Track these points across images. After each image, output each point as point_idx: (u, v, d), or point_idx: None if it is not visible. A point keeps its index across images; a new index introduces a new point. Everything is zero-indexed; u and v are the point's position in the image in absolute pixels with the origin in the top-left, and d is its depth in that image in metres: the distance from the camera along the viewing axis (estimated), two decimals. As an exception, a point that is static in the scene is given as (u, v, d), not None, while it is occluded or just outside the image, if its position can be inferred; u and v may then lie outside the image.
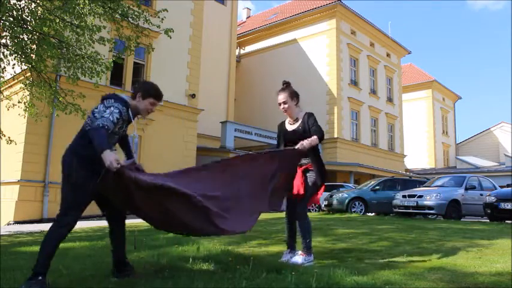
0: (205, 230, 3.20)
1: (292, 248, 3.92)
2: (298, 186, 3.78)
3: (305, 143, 3.61)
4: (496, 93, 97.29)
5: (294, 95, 3.94)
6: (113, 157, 2.62)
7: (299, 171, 3.86)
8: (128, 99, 3.09)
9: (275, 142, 18.89)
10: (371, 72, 28.07)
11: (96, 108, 2.99)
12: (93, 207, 3.32)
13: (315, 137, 3.71)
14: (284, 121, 4.11)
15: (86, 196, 2.96)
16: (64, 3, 7.92)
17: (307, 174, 3.84)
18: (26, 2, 8.09)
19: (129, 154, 3.41)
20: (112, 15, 8.48)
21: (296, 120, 3.95)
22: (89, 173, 2.89)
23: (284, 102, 3.90)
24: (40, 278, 2.80)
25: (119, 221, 3.22)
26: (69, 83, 8.91)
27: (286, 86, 3.98)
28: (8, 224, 12.20)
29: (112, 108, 2.93)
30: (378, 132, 27.86)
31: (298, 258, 3.67)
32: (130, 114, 3.07)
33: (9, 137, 10.34)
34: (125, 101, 3.05)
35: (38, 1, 8.19)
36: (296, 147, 3.65)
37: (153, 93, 3.14)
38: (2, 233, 8.54)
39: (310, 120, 3.88)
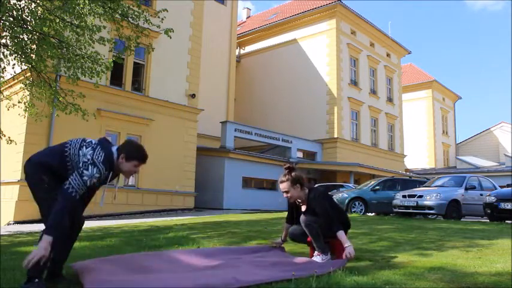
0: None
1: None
2: None
3: (352, 254, 3.60)
4: (496, 93, 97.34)
5: (296, 182, 3.87)
6: (46, 245, 2.58)
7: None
8: (115, 156, 3.02)
9: (275, 142, 18.90)
10: (371, 72, 28.07)
11: (87, 147, 2.96)
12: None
13: (344, 237, 3.72)
14: None
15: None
16: (64, 3, 7.93)
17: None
18: (26, 2, 8.09)
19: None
20: (112, 15, 8.48)
21: (303, 202, 3.97)
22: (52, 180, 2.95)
23: (286, 192, 3.88)
24: (36, 280, 2.75)
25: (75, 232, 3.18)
26: (69, 83, 8.91)
27: (288, 172, 3.91)
28: (8, 224, 12.20)
29: (95, 170, 2.88)
30: (378, 132, 27.85)
31: (317, 258, 3.77)
32: (110, 176, 3.04)
33: (9, 137, 10.34)
34: (112, 163, 2.99)
35: (38, 1, 8.20)
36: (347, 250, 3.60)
37: (138, 156, 3.08)
38: (2, 233, 8.54)
39: (317, 206, 3.81)
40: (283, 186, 3.88)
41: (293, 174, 3.88)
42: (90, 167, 2.87)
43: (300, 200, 3.98)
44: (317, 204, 3.81)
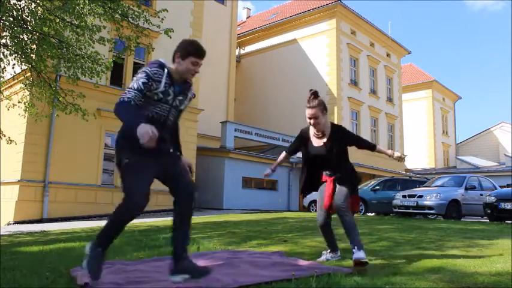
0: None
1: (334, 249, 3.89)
2: (328, 197, 3.72)
3: (396, 154, 3.71)
4: (496, 93, 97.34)
5: (324, 108, 3.66)
6: (147, 128, 2.33)
7: (329, 181, 3.75)
8: (165, 62, 2.77)
9: (275, 142, 18.91)
10: (371, 72, 28.06)
11: None
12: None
13: (384, 148, 3.86)
14: (308, 129, 3.83)
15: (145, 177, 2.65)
16: (64, 3, 7.93)
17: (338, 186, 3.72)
18: (26, 2, 8.10)
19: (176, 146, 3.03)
20: (112, 15, 8.48)
21: (323, 134, 3.71)
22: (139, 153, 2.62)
23: (315, 117, 3.59)
24: (100, 249, 2.70)
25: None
26: (69, 83, 8.91)
27: (314, 96, 3.64)
28: (8, 224, 12.19)
29: (140, 74, 2.65)
30: (378, 132, 27.85)
31: (361, 253, 3.44)
32: (165, 74, 2.70)
33: (9, 137, 10.34)
34: (159, 63, 2.74)
35: (38, 1, 8.20)
36: (395, 154, 3.69)
37: (192, 50, 2.72)
38: (2, 233, 8.53)
39: (344, 134, 3.73)
40: (313, 112, 3.57)
41: (320, 99, 3.65)
42: (137, 74, 2.68)
43: (320, 132, 3.69)
44: (344, 131, 3.74)
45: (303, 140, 3.82)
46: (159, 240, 5.57)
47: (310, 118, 3.62)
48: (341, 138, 3.69)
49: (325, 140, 3.69)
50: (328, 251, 3.89)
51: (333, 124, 3.76)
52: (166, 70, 2.71)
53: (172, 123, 2.92)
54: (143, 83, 2.63)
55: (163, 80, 2.68)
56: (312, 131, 3.76)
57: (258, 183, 20.27)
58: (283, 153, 4.00)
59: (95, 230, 8.19)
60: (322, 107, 3.63)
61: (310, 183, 3.87)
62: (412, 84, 36.66)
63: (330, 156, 3.66)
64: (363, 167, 21.86)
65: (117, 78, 15.28)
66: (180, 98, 2.83)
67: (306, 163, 3.84)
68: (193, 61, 2.73)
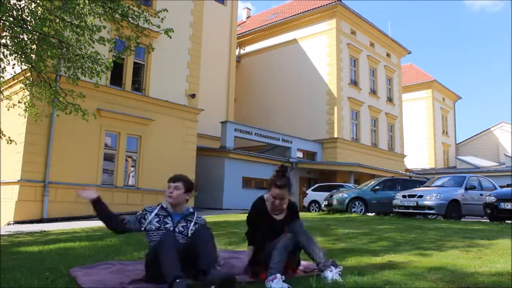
0: None
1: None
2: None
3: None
4: (496, 93, 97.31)
5: (290, 186, 3.29)
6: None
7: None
8: (163, 203, 3.33)
9: (275, 142, 18.76)
10: (371, 72, 28.06)
11: None
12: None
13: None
14: (263, 200, 3.34)
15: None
16: (64, 3, 7.93)
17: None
18: (26, 2, 8.10)
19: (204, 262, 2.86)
20: (112, 15, 8.48)
21: (281, 211, 3.34)
22: None
23: (283, 198, 3.22)
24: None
25: None
26: (69, 83, 8.92)
27: (283, 174, 3.27)
28: (8, 224, 12.19)
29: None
30: (378, 132, 27.85)
31: (331, 273, 2.95)
32: (158, 207, 3.28)
33: (9, 137, 10.35)
34: (160, 204, 3.33)
35: (38, 1, 8.20)
36: None
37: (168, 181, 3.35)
38: (2, 233, 8.53)
39: (294, 209, 3.40)
40: (284, 193, 3.20)
41: (288, 176, 3.28)
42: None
43: (278, 210, 3.31)
44: (296, 209, 3.42)
45: (262, 217, 3.31)
46: (159, 240, 5.56)
47: (276, 198, 3.20)
48: (292, 215, 3.36)
49: (283, 215, 3.32)
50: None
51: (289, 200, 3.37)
52: (160, 205, 3.29)
53: (193, 247, 2.96)
54: (140, 212, 3.28)
55: (154, 212, 3.24)
56: (269, 206, 3.31)
57: (258, 183, 20.27)
58: (251, 248, 3.34)
59: (95, 230, 8.19)
60: (290, 186, 3.26)
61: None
62: (412, 84, 36.67)
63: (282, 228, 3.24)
64: (363, 167, 21.86)
65: (117, 78, 15.27)
66: (183, 224, 3.21)
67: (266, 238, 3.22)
68: (167, 186, 3.29)
